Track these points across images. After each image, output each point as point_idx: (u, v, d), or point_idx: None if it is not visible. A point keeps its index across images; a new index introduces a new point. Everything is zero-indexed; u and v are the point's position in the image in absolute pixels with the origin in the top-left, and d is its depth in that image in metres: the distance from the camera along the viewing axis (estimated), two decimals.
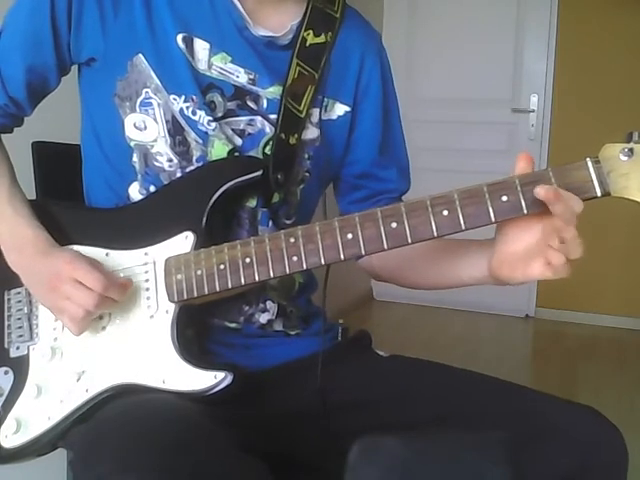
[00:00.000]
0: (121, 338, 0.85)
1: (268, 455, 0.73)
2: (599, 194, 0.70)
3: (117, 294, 0.82)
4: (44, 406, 0.86)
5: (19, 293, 0.92)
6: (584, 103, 3.57)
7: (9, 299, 0.93)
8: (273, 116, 0.91)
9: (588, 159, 0.70)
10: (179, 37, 0.88)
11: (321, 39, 0.95)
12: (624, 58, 3.48)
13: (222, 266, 0.81)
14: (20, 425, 0.85)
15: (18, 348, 0.90)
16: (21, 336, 0.91)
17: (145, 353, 0.83)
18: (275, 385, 0.91)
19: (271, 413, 0.90)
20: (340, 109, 0.97)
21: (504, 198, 0.71)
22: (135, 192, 0.92)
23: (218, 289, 0.81)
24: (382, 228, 0.75)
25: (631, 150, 0.69)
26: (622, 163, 0.69)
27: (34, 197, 1.07)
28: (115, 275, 0.85)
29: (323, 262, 0.77)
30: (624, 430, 0.82)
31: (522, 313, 3.86)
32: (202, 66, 0.89)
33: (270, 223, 0.92)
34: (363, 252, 0.76)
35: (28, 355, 0.90)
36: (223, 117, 0.90)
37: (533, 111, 3.69)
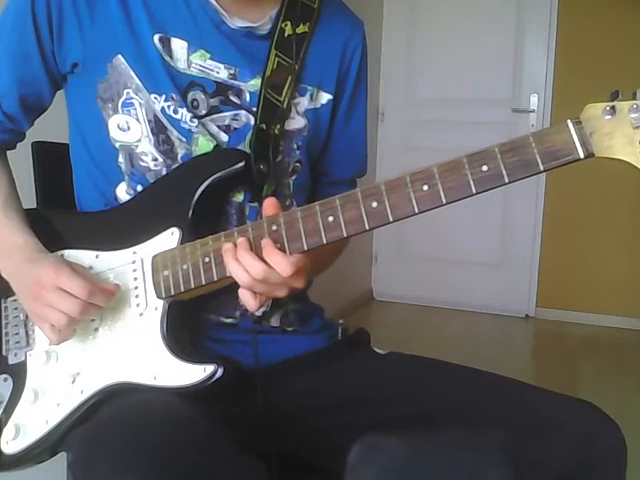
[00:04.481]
0: (113, 338, 0.85)
1: (268, 453, 0.73)
2: (582, 156, 0.66)
3: (102, 300, 0.81)
4: (42, 410, 0.86)
5: (15, 300, 0.92)
6: (584, 103, 3.56)
7: (6, 307, 0.94)
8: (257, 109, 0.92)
9: (569, 120, 0.66)
10: (156, 37, 0.89)
11: (300, 29, 0.95)
12: (624, 58, 3.48)
13: (207, 259, 0.80)
14: (19, 430, 0.85)
15: (16, 355, 0.91)
16: (18, 342, 0.91)
17: (136, 351, 0.83)
18: (273, 382, 0.90)
19: (270, 411, 0.89)
20: (324, 97, 0.98)
21: (484, 168, 0.69)
22: (123, 192, 0.92)
23: (204, 282, 0.81)
24: (363, 209, 0.73)
25: (613, 108, 0.65)
26: (605, 122, 0.65)
27: (34, 197, 1.08)
28: (101, 280, 0.85)
29: (306, 247, 0.76)
30: (624, 430, 0.82)
31: (522, 313, 3.86)
32: (181, 65, 0.89)
33: (259, 219, 0.92)
34: (345, 234, 0.74)
35: (25, 361, 0.90)
36: (207, 114, 0.90)
37: (533, 111, 3.69)
